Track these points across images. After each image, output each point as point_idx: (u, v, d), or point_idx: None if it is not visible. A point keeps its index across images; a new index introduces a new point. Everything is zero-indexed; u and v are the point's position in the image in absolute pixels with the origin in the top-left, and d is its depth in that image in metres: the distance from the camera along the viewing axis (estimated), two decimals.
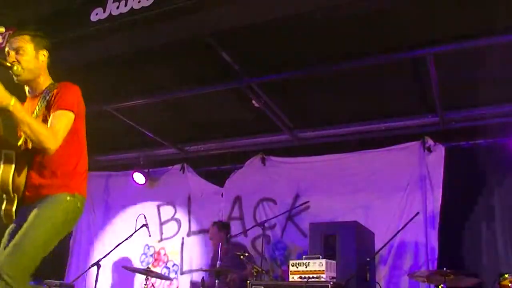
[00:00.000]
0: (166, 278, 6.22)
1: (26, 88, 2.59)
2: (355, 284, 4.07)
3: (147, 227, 5.44)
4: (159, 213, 7.03)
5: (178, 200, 6.93)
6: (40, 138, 2.23)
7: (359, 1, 3.55)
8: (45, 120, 2.38)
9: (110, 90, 5.26)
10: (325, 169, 5.93)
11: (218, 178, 6.71)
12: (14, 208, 2.34)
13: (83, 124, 2.60)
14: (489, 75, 4.49)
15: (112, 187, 7.53)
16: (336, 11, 3.72)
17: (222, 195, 6.59)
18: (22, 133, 2.41)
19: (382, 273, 5.19)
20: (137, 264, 6.69)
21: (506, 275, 3.57)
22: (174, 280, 6.54)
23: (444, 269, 3.80)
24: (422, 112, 5.25)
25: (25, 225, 2.22)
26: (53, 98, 2.43)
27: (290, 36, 4.17)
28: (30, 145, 2.38)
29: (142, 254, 6.92)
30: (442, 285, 3.84)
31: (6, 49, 2.53)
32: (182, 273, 6.59)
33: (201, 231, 6.63)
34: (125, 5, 3.98)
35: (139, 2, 3.92)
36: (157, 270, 6.55)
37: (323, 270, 3.88)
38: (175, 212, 6.93)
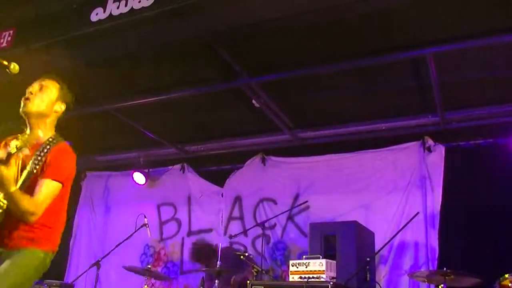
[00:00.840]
0: (166, 278, 6.22)
1: (26, 130, 2.54)
2: (355, 284, 4.07)
3: (147, 227, 5.44)
4: (159, 213, 7.03)
5: (178, 200, 6.93)
6: (24, 214, 2.31)
7: (359, 1, 3.55)
8: (35, 178, 2.40)
9: (110, 90, 5.26)
10: (325, 169, 5.93)
11: (218, 178, 6.72)
12: None
13: (70, 184, 2.60)
14: (489, 75, 4.49)
15: (112, 187, 7.53)
16: (336, 11, 3.71)
17: (222, 195, 6.60)
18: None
19: (382, 273, 5.20)
20: (137, 264, 6.68)
21: (506, 275, 3.56)
22: (174, 280, 6.55)
23: (444, 269, 3.80)
24: (422, 112, 5.24)
25: None
26: (48, 158, 2.43)
27: (290, 36, 4.17)
28: None
29: (142, 254, 6.92)
30: (442, 285, 3.84)
31: (34, 82, 2.56)
32: (182, 273, 6.59)
33: (201, 231, 6.63)
34: (125, 5, 3.98)
35: (139, 2, 3.92)
36: (157, 270, 6.56)
37: (323, 270, 3.89)
38: (175, 212, 6.93)
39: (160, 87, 5.14)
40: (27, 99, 2.48)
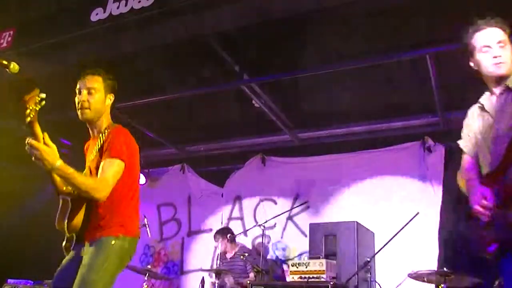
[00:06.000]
0: (166, 278, 6.22)
1: (90, 130, 2.66)
2: (355, 284, 4.07)
3: (147, 227, 5.44)
4: (159, 213, 7.03)
5: (178, 200, 6.93)
6: (87, 191, 2.30)
7: (359, 1, 3.55)
8: (98, 163, 2.45)
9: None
10: (325, 169, 5.93)
11: (218, 178, 6.72)
12: (72, 245, 2.49)
13: (136, 166, 2.73)
14: None
15: None
16: (335, 11, 3.71)
17: (222, 195, 6.60)
18: None
19: (382, 273, 5.18)
20: (137, 264, 6.67)
21: None
22: (174, 280, 6.55)
23: (444, 269, 3.80)
24: (422, 112, 5.24)
25: (78, 279, 2.27)
26: (105, 143, 2.50)
27: (290, 36, 4.17)
28: None
29: (142, 254, 6.92)
30: (442, 285, 3.83)
31: (78, 86, 2.59)
32: (182, 273, 6.59)
33: (201, 231, 6.63)
34: (125, 5, 3.99)
35: (139, 2, 3.92)
36: (157, 270, 6.56)
37: (323, 270, 3.89)
38: (175, 212, 6.93)
39: (160, 87, 5.15)
40: (82, 108, 2.52)
